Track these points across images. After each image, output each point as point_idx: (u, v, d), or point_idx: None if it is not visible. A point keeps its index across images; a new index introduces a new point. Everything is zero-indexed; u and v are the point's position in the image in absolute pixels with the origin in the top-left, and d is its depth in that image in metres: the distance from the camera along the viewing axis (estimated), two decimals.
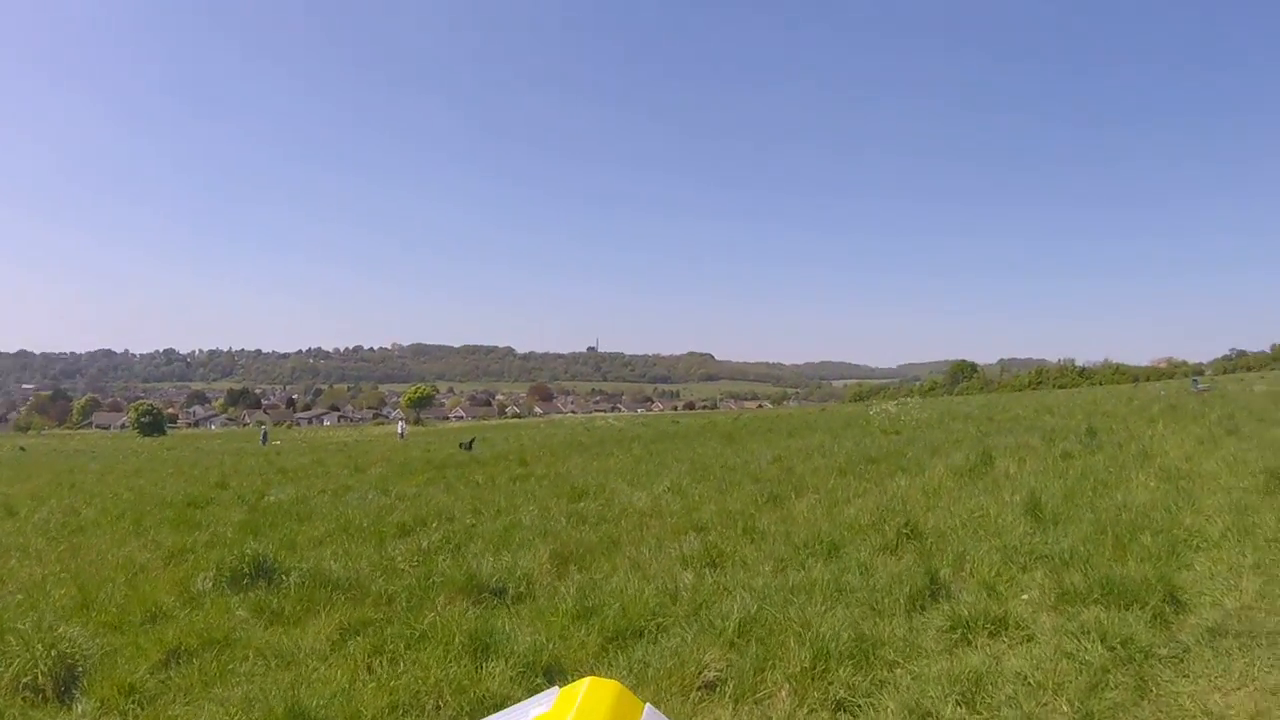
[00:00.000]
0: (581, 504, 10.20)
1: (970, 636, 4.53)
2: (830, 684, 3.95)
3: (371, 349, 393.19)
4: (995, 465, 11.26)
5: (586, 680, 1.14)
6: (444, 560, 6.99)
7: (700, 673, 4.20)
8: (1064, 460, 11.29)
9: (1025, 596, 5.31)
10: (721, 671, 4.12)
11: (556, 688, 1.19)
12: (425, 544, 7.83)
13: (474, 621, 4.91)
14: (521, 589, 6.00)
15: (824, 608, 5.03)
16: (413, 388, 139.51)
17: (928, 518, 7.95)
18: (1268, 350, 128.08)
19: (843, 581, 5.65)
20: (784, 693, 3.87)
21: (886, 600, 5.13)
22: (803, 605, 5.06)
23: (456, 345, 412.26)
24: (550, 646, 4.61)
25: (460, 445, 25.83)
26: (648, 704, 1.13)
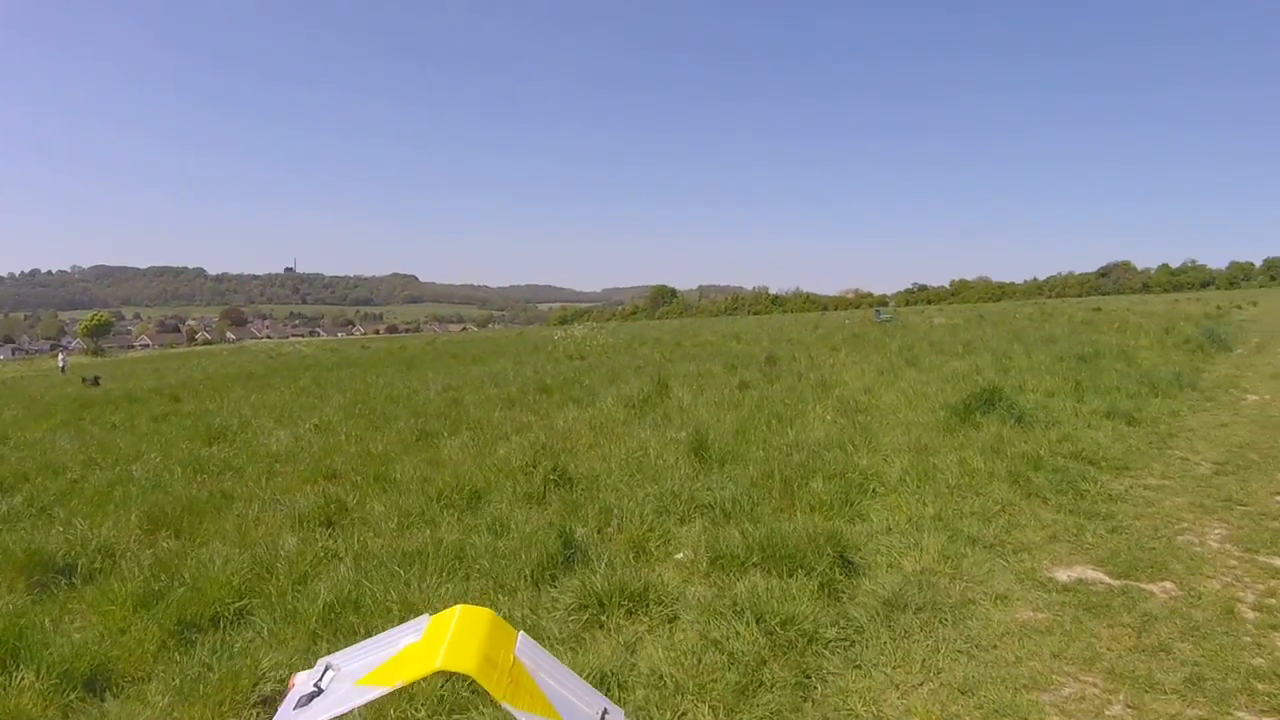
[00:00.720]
0: (214, 448, 9.62)
1: (603, 617, 4.25)
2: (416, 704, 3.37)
3: (49, 272, 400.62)
4: (670, 395, 11.98)
5: (458, 608, 1.27)
6: (16, 529, 6.55)
7: (256, 685, 3.41)
8: (741, 390, 12.23)
9: (679, 556, 5.19)
10: (284, 683, 3.42)
11: (428, 616, 1.30)
12: (5, 508, 7.42)
13: (4, 619, 4.38)
14: (96, 565, 5.55)
15: (437, 581, 4.51)
16: (90, 314, 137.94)
17: (584, 459, 7.99)
18: (947, 285, 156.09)
19: (467, 544, 5.20)
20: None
21: (511, 570, 4.73)
22: (413, 579, 4.49)
23: (143, 267, 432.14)
24: (98, 646, 4.14)
25: (84, 381, 27.10)
26: (521, 632, 1.30)
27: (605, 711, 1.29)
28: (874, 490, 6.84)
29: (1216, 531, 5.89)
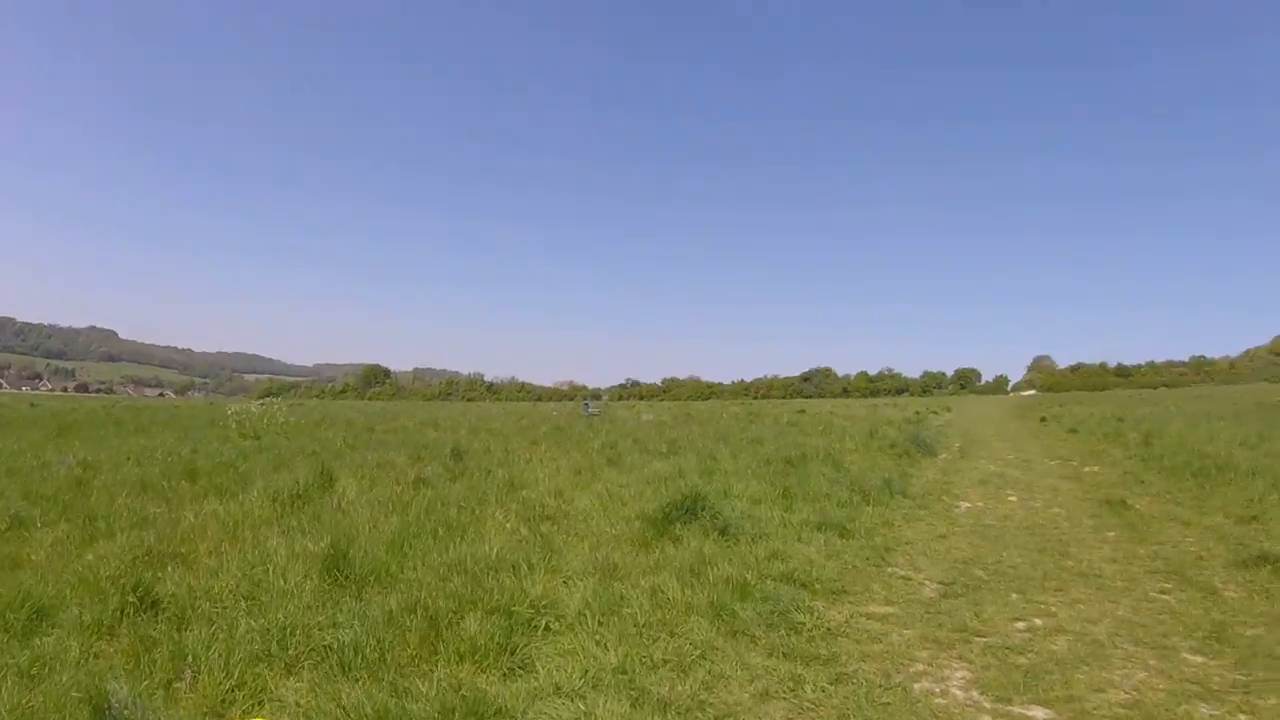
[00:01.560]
0: None
1: None
2: None
3: None
4: (334, 489, 11.00)
5: None
6: None
7: None
8: (416, 488, 11.14)
9: None
10: None
11: None
12: None
13: None
14: None
15: None
16: None
17: (196, 571, 6.97)
18: (659, 382, 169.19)
19: None
20: None
21: None
22: None
23: None
24: None
25: None
26: None
27: None
28: (547, 627, 5.79)
29: (959, 674, 5.30)
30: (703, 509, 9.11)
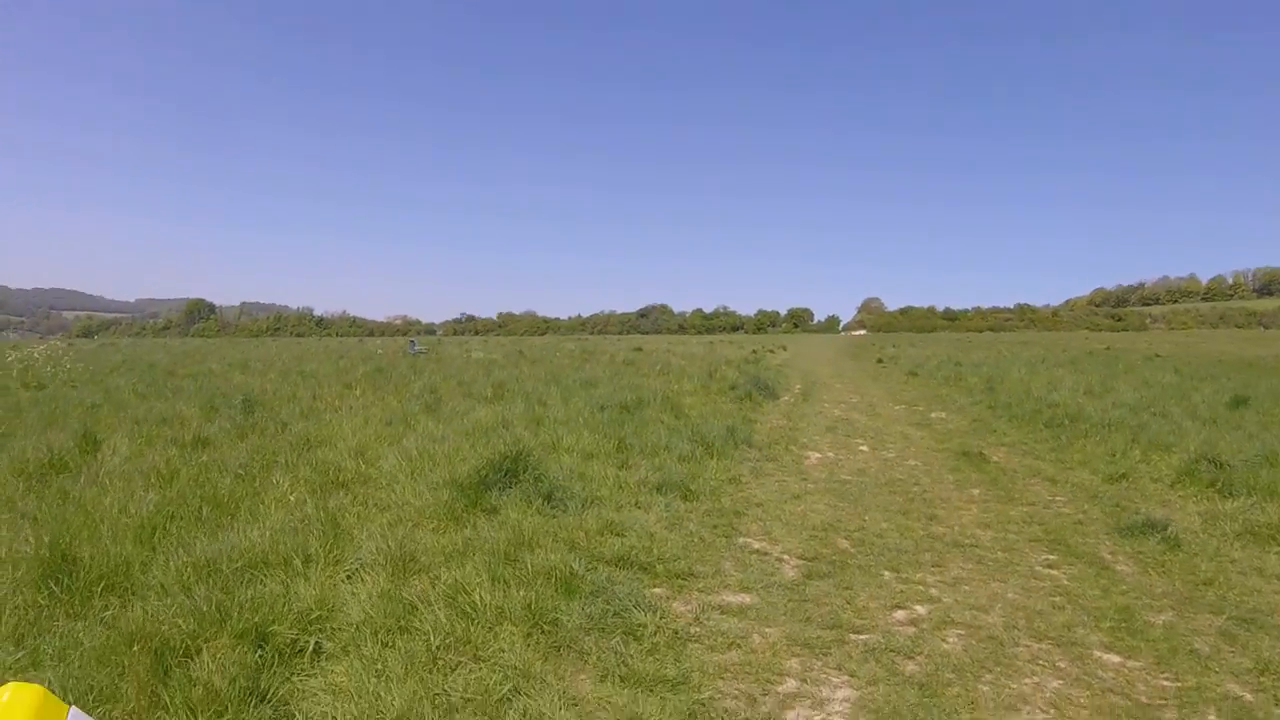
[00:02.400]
0: None
1: None
2: None
3: None
4: (98, 456, 9.43)
5: (9, 686, 1.38)
6: None
7: None
8: (194, 450, 9.40)
9: None
10: None
11: None
12: None
13: None
14: None
15: None
16: None
17: None
18: (494, 317, 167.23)
19: None
20: None
21: None
22: None
23: None
24: None
25: None
26: (73, 707, 1.43)
27: None
28: (317, 650, 4.37)
29: (841, 694, 4.21)
30: (526, 470, 7.80)
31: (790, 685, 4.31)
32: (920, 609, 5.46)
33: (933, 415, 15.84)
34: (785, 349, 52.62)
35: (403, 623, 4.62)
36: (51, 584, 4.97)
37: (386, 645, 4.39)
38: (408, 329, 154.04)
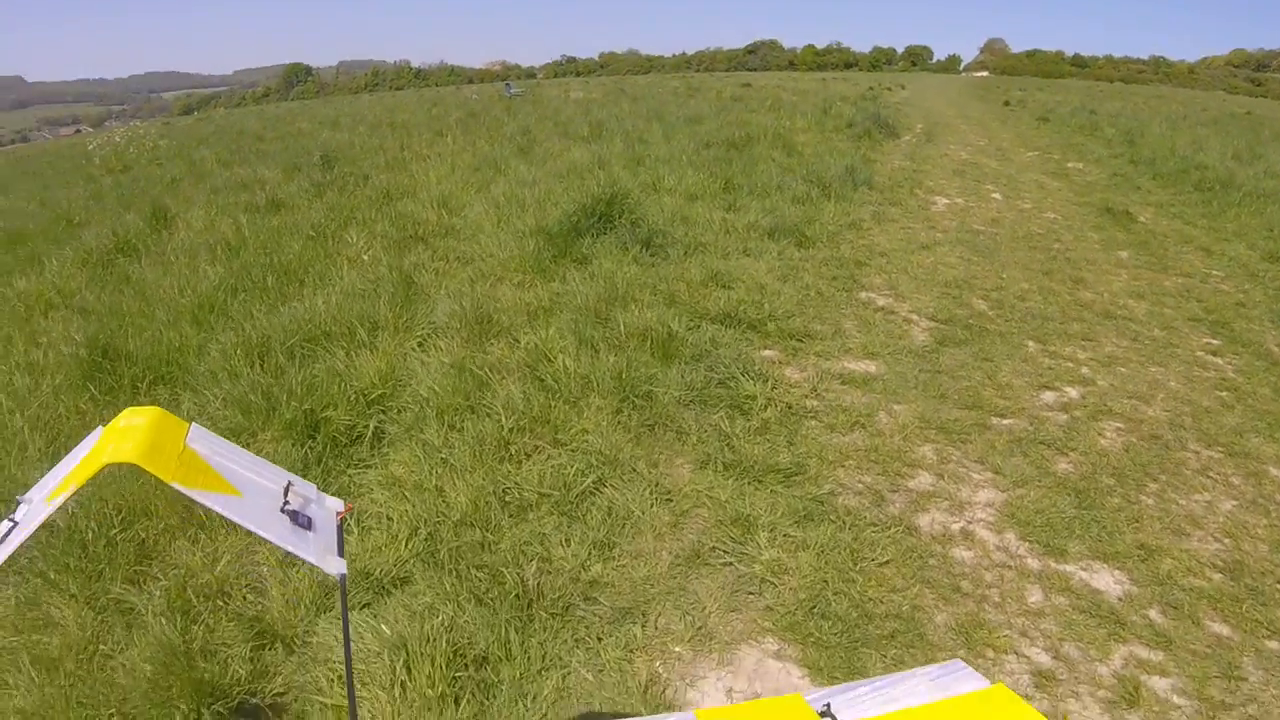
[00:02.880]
0: None
1: None
2: None
3: None
4: (174, 230, 8.82)
5: (125, 411, 1.39)
6: None
7: None
8: (267, 213, 8.89)
9: None
10: None
11: (101, 426, 1.42)
12: None
13: None
14: None
15: None
16: None
17: None
18: (596, 58, 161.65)
19: None
20: None
21: None
22: None
23: None
24: None
25: None
26: (193, 423, 1.45)
27: (290, 484, 1.49)
28: (375, 441, 3.94)
29: (983, 496, 3.56)
30: (623, 213, 7.09)
31: (924, 481, 3.68)
32: (1072, 391, 4.71)
33: (1069, 165, 14.32)
34: (904, 88, 49.08)
35: (473, 400, 4.06)
36: (92, 386, 4.50)
37: (454, 428, 3.84)
38: (506, 74, 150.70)
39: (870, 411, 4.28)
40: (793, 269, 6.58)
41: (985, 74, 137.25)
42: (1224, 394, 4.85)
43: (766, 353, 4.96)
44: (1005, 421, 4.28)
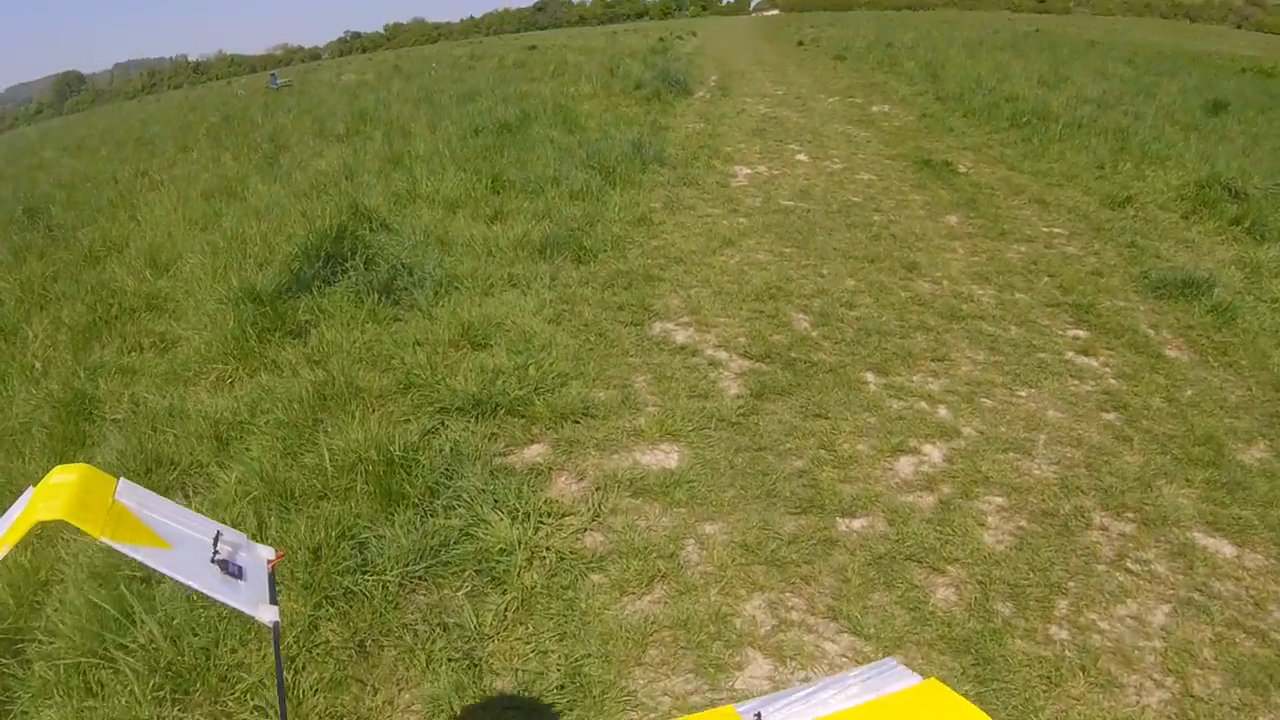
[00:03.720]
0: None
1: None
2: None
3: None
4: None
5: (55, 469, 1.39)
6: None
7: None
8: None
9: None
10: None
11: (31, 486, 1.38)
12: None
13: None
14: None
15: None
16: None
17: None
18: (383, 30, 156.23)
19: None
20: None
21: None
22: None
23: None
24: None
25: None
26: (121, 478, 1.43)
27: (219, 534, 1.46)
28: None
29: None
30: (356, 249, 5.63)
31: (757, 672, 2.50)
32: (933, 452, 3.65)
33: (874, 109, 13.54)
34: (695, 35, 48.28)
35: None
36: None
37: None
38: (289, 58, 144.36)
39: (674, 544, 3.06)
40: (569, 301, 5.30)
41: (775, 12, 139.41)
42: (1113, 418, 3.93)
43: (531, 452, 3.68)
44: (856, 525, 3.15)
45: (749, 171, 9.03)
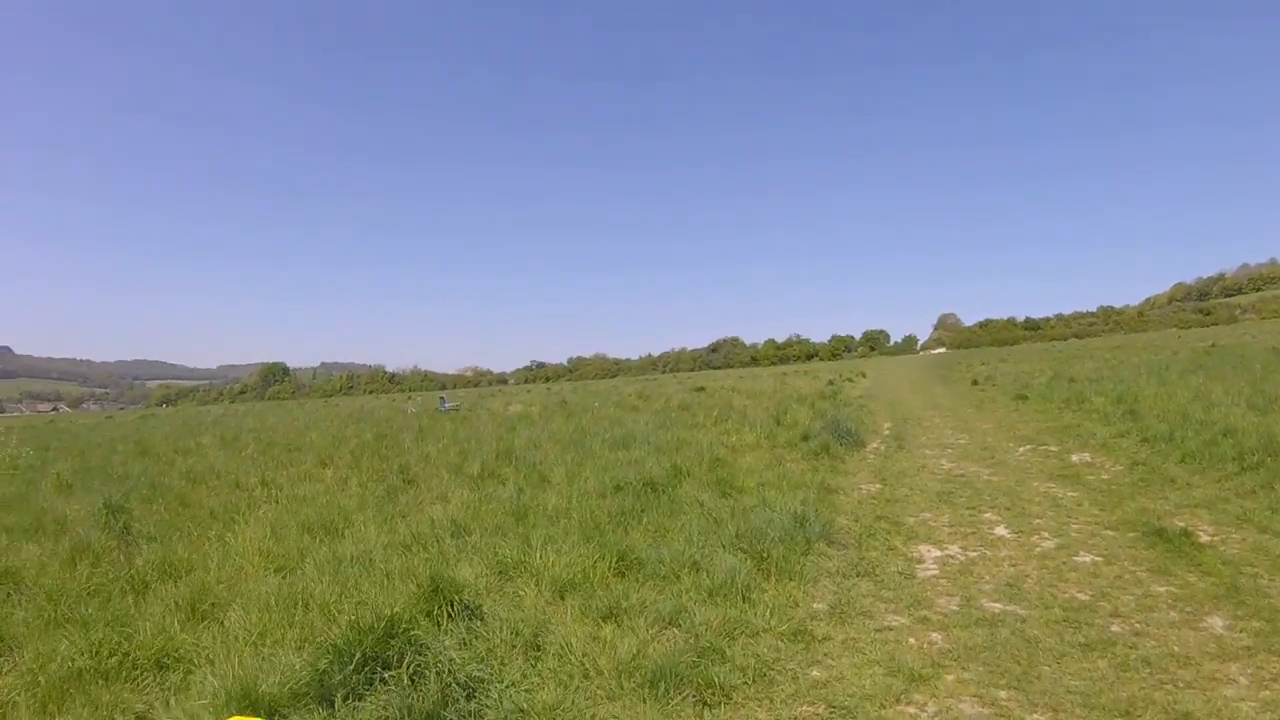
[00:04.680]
0: None
1: None
2: None
3: None
4: None
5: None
6: None
7: None
8: None
9: None
10: None
11: None
12: None
13: None
14: None
15: None
16: None
17: None
18: (565, 362, 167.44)
19: None
20: None
21: None
22: None
23: None
24: None
25: None
26: None
27: None
28: None
29: None
30: (405, 657, 4.36)
31: None
32: None
33: (1074, 459, 11.74)
34: (864, 375, 47.97)
35: None
36: None
37: None
38: (478, 379, 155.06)
39: None
40: None
41: (942, 350, 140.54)
42: None
43: None
44: None
45: (938, 554, 7.33)
